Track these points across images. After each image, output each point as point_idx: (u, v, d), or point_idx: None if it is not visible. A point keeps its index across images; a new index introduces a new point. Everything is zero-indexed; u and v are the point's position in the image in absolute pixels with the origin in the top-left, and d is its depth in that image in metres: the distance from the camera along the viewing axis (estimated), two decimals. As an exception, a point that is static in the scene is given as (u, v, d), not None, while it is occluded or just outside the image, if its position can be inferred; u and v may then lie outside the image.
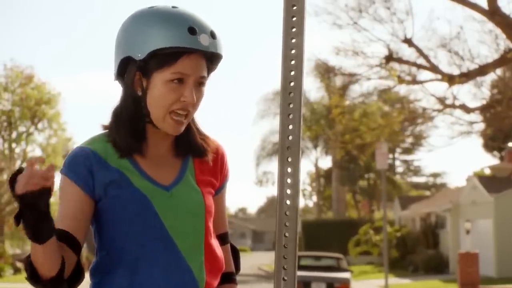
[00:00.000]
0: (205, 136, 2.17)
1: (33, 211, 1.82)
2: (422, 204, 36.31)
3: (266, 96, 48.50)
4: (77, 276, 2.01)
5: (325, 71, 20.85)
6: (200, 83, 2.05)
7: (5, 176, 34.26)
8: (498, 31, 15.97)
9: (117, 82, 2.11)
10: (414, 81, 18.08)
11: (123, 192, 2.03)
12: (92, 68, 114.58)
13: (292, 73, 1.85)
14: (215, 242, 2.13)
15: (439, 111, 18.31)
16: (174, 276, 2.03)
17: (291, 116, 1.84)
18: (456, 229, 30.20)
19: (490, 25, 16.49)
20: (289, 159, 1.85)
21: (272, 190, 72.31)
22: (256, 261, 44.77)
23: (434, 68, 17.35)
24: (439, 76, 17.20)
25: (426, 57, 17.48)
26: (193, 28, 2.00)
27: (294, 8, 1.84)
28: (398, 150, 54.67)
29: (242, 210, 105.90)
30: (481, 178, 30.41)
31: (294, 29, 1.84)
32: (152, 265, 2.02)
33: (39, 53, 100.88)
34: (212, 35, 2.03)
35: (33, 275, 1.92)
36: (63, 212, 2.01)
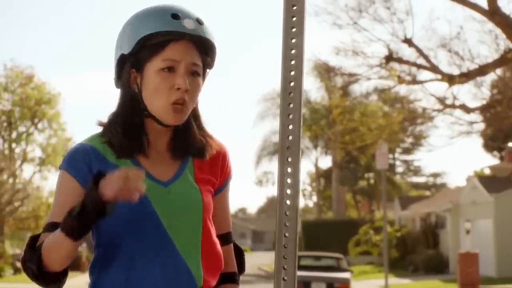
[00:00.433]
0: (208, 136, 2.16)
1: (98, 215, 1.86)
2: (422, 204, 36.31)
3: (266, 96, 48.48)
4: (64, 274, 2.03)
5: (325, 71, 20.84)
6: (193, 72, 2.05)
7: (5, 176, 34.24)
8: (498, 31, 15.96)
9: (117, 87, 2.13)
10: (414, 81, 18.07)
11: None
12: (92, 68, 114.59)
13: (292, 73, 1.85)
14: (214, 240, 2.13)
15: (439, 111, 18.30)
16: (171, 273, 2.02)
17: (291, 116, 1.84)
18: (456, 229, 30.20)
19: (490, 25, 16.49)
20: (289, 159, 1.85)
21: (272, 190, 72.30)
22: (256, 261, 44.77)
23: (434, 68, 17.34)
24: (439, 76, 17.20)
25: (426, 57, 17.47)
26: (176, 14, 2.03)
27: (294, 8, 1.84)
28: (398, 150, 54.64)
29: (242, 210, 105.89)
30: (481, 178, 30.41)
31: (294, 29, 1.84)
32: (149, 262, 2.02)
33: (39, 53, 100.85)
34: (199, 21, 2.05)
35: (39, 267, 1.95)
36: (61, 205, 2.02)
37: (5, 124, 39.45)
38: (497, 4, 14.51)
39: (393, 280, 25.72)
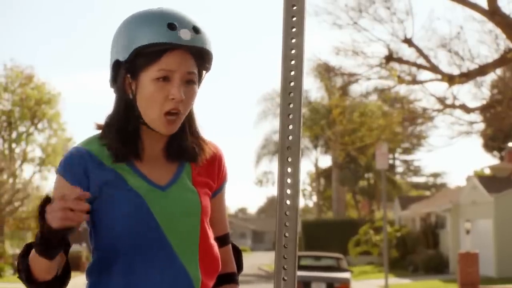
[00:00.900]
0: (202, 141, 2.16)
1: (60, 241, 1.90)
2: (422, 204, 36.32)
3: (266, 96, 48.47)
4: (66, 274, 2.05)
5: (325, 71, 20.83)
6: (188, 80, 2.05)
7: (5, 176, 34.25)
8: (498, 31, 15.96)
9: (112, 89, 2.12)
10: (414, 81, 18.07)
11: (118, 192, 2.03)
12: (92, 68, 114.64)
13: (292, 73, 1.84)
14: (212, 243, 2.13)
15: (439, 111, 18.30)
16: (169, 276, 2.03)
17: (291, 116, 1.84)
18: (456, 229, 30.21)
19: (490, 25, 16.49)
20: (289, 159, 1.84)
21: (272, 190, 72.31)
22: (256, 261, 44.80)
23: (434, 68, 17.34)
24: (439, 76, 17.20)
25: (426, 57, 17.47)
26: (172, 23, 2.01)
27: (294, 8, 1.84)
28: (398, 150, 54.66)
29: (242, 210, 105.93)
30: (481, 178, 30.42)
31: (294, 29, 1.84)
32: (147, 265, 2.02)
33: (39, 53, 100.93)
34: (195, 30, 2.03)
35: (28, 277, 1.99)
36: None
37: (5, 124, 39.47)
38: (497, 4, 14.51)
39: (393, 280, 25.73)
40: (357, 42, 18.03)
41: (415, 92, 20.05)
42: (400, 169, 59.31)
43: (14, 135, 39.77)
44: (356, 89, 20.74)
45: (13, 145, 39.82)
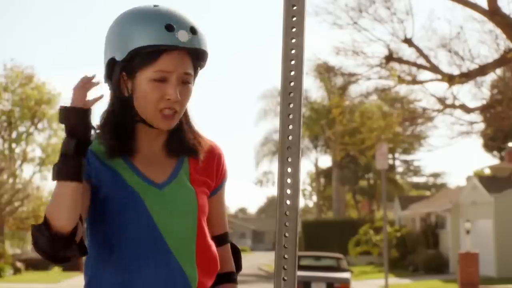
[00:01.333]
0: (199, 136, 2.17)
1: (84, 126, 1.93)
2: (422, 204, 36.31)
3: (266, 93, 48.38)
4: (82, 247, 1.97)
5: (325, 71, 20.83)
6: (184, 81, 2.05)
7: (5, 176, 34.24)
8: (498, 31, 15.95)
9: (106, 84, 2.12)
10: (414, 81, 18.07)
11: (116, 189, 2.03)
12: (92, 68, 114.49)
13: (292, 73, 1.84)
14: (209, 242, 2.13)
15: (439, 111, 18.30)
16: (164, 275, 2.03)
17: (291, 116, 1.84)
18: (456, 229, 30.20)
19: (490, 25, 16.48)
20: (289, 159, 1.84)
21: (272, 190, 72.39)
22: (256, 261, 44.75)
23: (434, 68, 17.34)
24: (439, 76, 17.19)
25: (426, 57, 17.47)
26: (170, 25, 2.00)
27: (294, 8, 1.84)
28: (398, 150, 54.66)
29: (242, 210, 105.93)
30: (481, 178, 30.41)
31: (294, 29, 1.84)
32: (143, 263, 2.02)
33: (39, 53, 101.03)
34: (192, 31, 2.03)
35: (45, 230, 1.89)
36: None
37: (5, 124, 39.46)
38: (497, 4, 14.50)
39: (393, 280, 25.72)
40: (357, 42, 18.05)
41: (415, 92, 20.07)
42: (400, 169, 59.30)
43: (14, 135, 39.77)
44: (356, 89, 20.72)
45: (13, 145, 39.82)
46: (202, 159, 2.16)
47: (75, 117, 1.92)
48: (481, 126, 19.97)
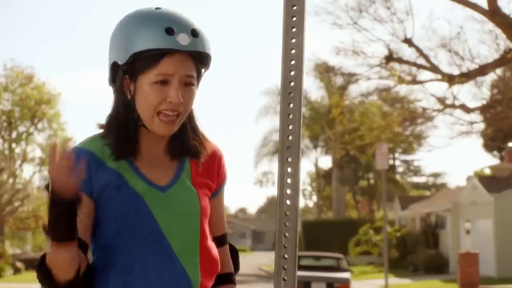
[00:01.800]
0: (201, 137, 2.16)
1: (62, 203, 1.84)
2: (422, 204, 36.31)
3: (268, 90, 48.35)
4: (89, 276, 2.01)
5: (325, 71, 20.83)
6: (187, 83, 2.04)
7: (5, 176, 34.24)
8: (498, 31, 15.95)
9: (111, 87, 2.12)
10: (414, 81, 18.07)
11: (119, 192, 2.03)
12: (92, 68, 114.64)
13: (292, 73, 1.84)
14: (211, 244, 2.13)
15: (439, 111, 18.30)
16: (168, 278, 2.03)
17: (291, 116, 1.84)
18: (456, 229, 30.20)
19: (490, 25, 16.47)
20: (289, 159, 1.84)
21: (272, 190, 72.41)
22: (256, 261, 44.76)
23: (434, 68, 17.34)
24: (439, 76, 17.19)
25: (426, 57, 17.47)
26: (170, 28, 2.00)
27: (294, 8, 1.84)
28: (398, 150, 54.67)
29: (242, 210, 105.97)
30: (481, 178, 30.41)
31: (294, 29, 1.84)
32: (147, 267, 2.02)
33: (39, 53, 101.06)
34: (193, 34, 2.02)
35: (48, 279, 1.93)
36: None
37: (5, 124, 39.47)
38: (497, 4, 14.50)
39: (393, 280, 25.72)
40: (357, 42, 18.04)
41: (415, 92, 20.05)
42: (400, 169, 59.32)
43: (14, 135, 39.77)
44: (356, 89, 20.72)
45: (13, 145, 39.82)
46: (203, 161, 2.16)
47: (61, 210, 1.87)
48: (481, 126, 19.97)
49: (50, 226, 1.87)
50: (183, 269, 2.05)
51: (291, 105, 1.84)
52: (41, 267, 1.94)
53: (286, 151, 1.85)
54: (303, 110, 14.64)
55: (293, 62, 1.84)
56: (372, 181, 50.32)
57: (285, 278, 1.83)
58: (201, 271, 2.08)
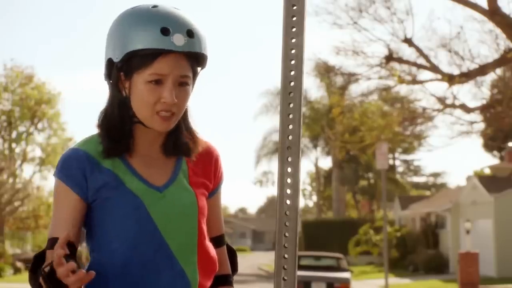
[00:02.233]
0: (195, 136, 2.16)
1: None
2: (422, 204, 36.31)
3: (268, 90, 48.31)
4: None
5: (325, 71, 20.83)
6: (181, 83, 2.03)
7: (5, 176, 34.24)
8: (498, 31, 15.95)
9: (106, 83, 2.12)
10: (414, 81, 18.07)
11: (116, 193, 2.03)
12: (93, 68, 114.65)
13: (292, 73, 1.84)
14: (208, 244, 2.13)
15: (439, 111, 18.30)
16: (166, 278, 2.03)
17: (291, 116, 1.84)
18: (456, 229, 30.20)
19: (490, 25, 16.48)
20: (289, 159, 1.84)
21: (272, 190, 72.35)
22: (256, 261, 44.77)
23: (434, 68, 17.34)
24: (439, 76, 17.19)
25: (426, 57, 17.47)
26: (166, 28, 1.99)
27: (294, 8, 1.84)
28: (398, 150, 54.67)
29: (242, 210, 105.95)
30: (481, 178, 30.41)
31: (294, 29, 1.84)
32: (145, 267, 2.02)
33: (39, 53, 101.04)
34: (189, 34, 2.01)
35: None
36: (60, 218, 2.02)
37: (5, 124, 39.45)
38: (497, 4, 14.50)
39: (393, 280, 25.72)
40: (357, 42, 18.04)
41: (415, 92, 20.05)
42: (400, 169, 59.30)
43: (14, 135, 39.75)
44: (356, 89, 20.72)
45: (13, 145, 39.80)
46: (200, 160, 2.16)
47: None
48: (481, 126, 19.97)
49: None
50: (181, 268, 2.04)
51: (291, 105, 1.84)
52: (33, 276, 1.95)
53: (286, 151, 1.84)
54: (303, 110, 14.64)
55: (293, 62, 1.84)
56: (372, 181, 50.28)
57: (285, 278, 1.83)
58: (199, 270, 2.08)
